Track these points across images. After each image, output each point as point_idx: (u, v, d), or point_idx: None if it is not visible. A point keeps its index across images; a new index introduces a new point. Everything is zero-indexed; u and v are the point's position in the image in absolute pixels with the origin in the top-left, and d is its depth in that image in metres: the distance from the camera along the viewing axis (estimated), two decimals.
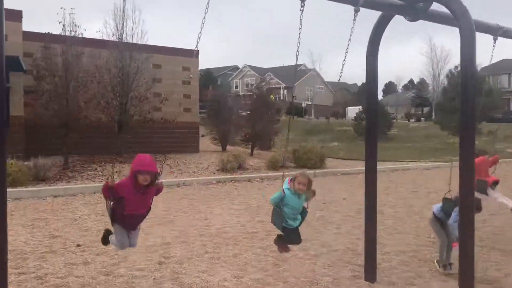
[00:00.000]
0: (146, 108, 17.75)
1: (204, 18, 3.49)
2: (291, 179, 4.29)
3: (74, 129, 15.48)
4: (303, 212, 4.42)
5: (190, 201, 11.09)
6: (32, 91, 15.84)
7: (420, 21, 5.13)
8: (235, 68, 77.44)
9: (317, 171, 17.50)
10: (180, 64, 21.55)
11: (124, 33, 17.99)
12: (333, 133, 38.53)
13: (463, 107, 4.37)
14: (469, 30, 4.24)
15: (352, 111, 52.03)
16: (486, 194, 7.42)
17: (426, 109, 64.76)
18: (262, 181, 15.29)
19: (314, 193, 4.41)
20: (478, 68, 30.11)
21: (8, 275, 4.98)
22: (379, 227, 6.58)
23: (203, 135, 24.21)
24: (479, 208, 5.51)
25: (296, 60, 3.93)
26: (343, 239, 7.31)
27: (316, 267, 5.82)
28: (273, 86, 47.00)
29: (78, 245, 6.68)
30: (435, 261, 5.84)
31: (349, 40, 4.31)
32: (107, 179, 3.92)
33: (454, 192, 5.06)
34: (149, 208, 4.25)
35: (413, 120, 55.83)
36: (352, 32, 4.30)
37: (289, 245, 4.65)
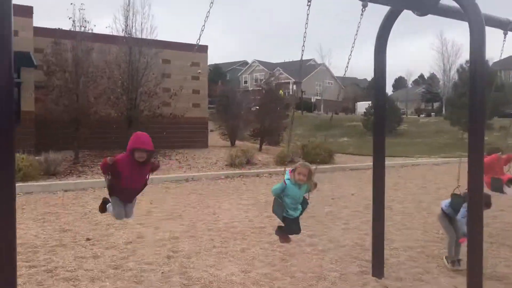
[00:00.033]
0: (155, 104, 17.80)
1: (208, 12, 3.49)
2: (291, 170, 4.31)
3: (84, 124, 15.60)
4: (304, 203, 4.45)
5: (199, 196, 11.14)
6: (42, 86, 15.99)
7: (431, 16, 5.08)
8: (244, 63, 77.30)
9: (326, 166, 17.49)
10: (189, 59, 21.56)
11: (133, 28, 18.05)
12: (343, 128, 38.35)
13: (472, 101, 4.34)
14: (478, 24, 4.19)
15: (362, 106, 51.72)
16: (502, 192, 7.36)
17: (436, 105, 64.19)
18: (271, 176, 15.30)
19: (315, 185, 4.45)
20: (490, 63, 29.77)
21: (19, 268, 5.06)
22: (387, 222, 6.56)
23: (212, 130, 24.25)
24: (488, 204, 5.46)
25: (302, 56, 3.92)
26: (351, 234, 7.31)
27: (323, 262, 5.82)
28: (282, 81, 46.87)
29: (88, 239, 6.75)
30: (444, 257, 5.81)
31: (356, 35, 4.29)
32: (106, 156, 4.12)
33: (463, 188, 5.02)
34: (145, 184, 4.40)
35: (423, 115, 55.37)
36: (359, 27, 4.28)
37: (291, 236, 4.65)
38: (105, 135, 17.24)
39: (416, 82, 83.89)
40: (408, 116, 51.70)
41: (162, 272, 5.33)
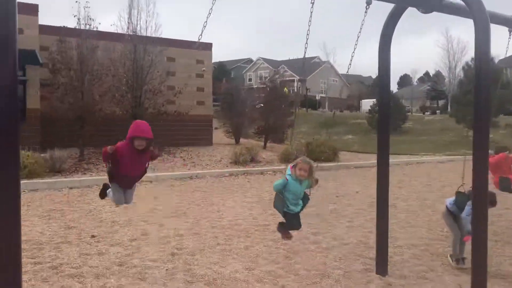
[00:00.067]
0: (160, 101, 17.84)
1: (211, 8, 3.48)
2: (292, 166, 4.33)
3: (89, 122, 15.65)
4: (305, 199, 4.47)
5: (203, 193, 11.16)
6: (48, 84, 16.04)
7: (436, 13, 5.06)
8: (249, 60, 77.20)
9: (330, 164, 17.47)
10: (193, 57, 21.57)
11: (138, 26, 18.08)
12: (347, 126, 38.25)
13: (477, 99, 4.32)
14: (483, 21, 4.17)
15: (367, 103, 51.56)
16: (511, 191, 7.33)
17: (441, 102, 63.88)
18: (275, 174, 15.30)
19: (317, 181, 4.47)
20: (495, 61, 29.59)
21: (25, 264, 5.11)
22: (391, 220, 6.56)
23: (216, 128, 24.27)
24: (493, 202, 5.45)
25: (305, 53, 3.93)
26: (355, 232, 7.30)
27: (327, 260, 5.83)
28: (287, 78, 46.80)
29: (93, 236, 6.78)
30: (448, 255, 5.80)
31: (359, 33, 4.29)
32: (106, 145, 4.19)
33: (468, 185, 5.01)
34: (144, 171, 4.48)
35: (428, 113, 55.13)
36: (362, 24, 4.28)
37: (294, 234, 4.67)
38: (110, 132, 17.20)
39: (421, 80, 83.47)
40: (413, 113, 51.49)
41: (167, 269, 5.35)
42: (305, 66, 62.51)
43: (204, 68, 22.30)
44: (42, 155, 13.26)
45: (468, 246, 5.12)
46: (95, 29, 16.58)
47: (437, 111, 55.16)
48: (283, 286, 4.91)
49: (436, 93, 65.71)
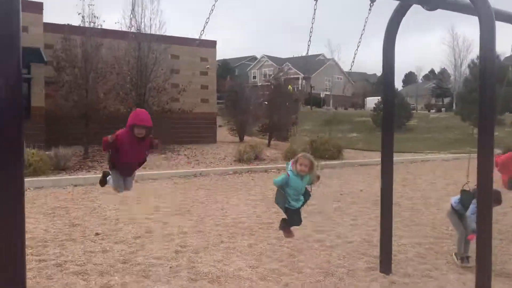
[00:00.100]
0: (164, 99, 17.86)
1: (213, 5, 3.47)
2: (293, 161, 4.34)
3: (94, 120, 15.69)
4: (306, 195, 4.48)
5: (207, 191, 11.17)
6: (52, 82, 16.10)
7: (442, 10, 5.02)
8: (253, 58, 77.10)
9: (334, 162, 17.45)
10: (198, 55, 21.58)
11: (142, 23, 18.09)
12: (352, 124, 38.20)
13: (481, 97, 4.30)
14: (488, 19, 4.14)
15: (371, 101, 51.43)
16: None
17: (446, 100, 63.63)
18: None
19: (318, 177, 4.48)
20: (501, 58, 29.39)
21: (29, 262, 5.14)
22: (396, 218, 6.53)
23: (220, 126, 24.28)
24: (498, 201, 5.42)
25: (308, 50, 3.91)
26: (359, 230, 7.29)
27: (331, 258, 5.82)
28: (291, 76, 46.74)
29: (97, 234, 6.80)
30: (453, 253, 5.78)
31: (363, 30, 4.27)
32: (107, 135, 4.34)
33: (473, 184, 4.98)
34: (144, 159, 4.61)
35: (433, 110, 54.93)
36: (366, 22, 4.26)
37: (297, 231, 4.68)
38: (114, 130, 17.31)
39: (426, 77, 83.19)
40: (418, 111, 51.33)
41: (170, 267, 5.36)
42: (310, 64, 62.35)
43: (208, 66, 22.31)
44: (47, 152, 13.31)
45: (472, 245, 5.10)
46: (99, 27, 16.61)
47: (442, 109, 54.94)
48: (286, 284, 4.91)
49: (441, 90, 65.48)
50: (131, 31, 17.90)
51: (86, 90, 15.60)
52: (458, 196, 5.73)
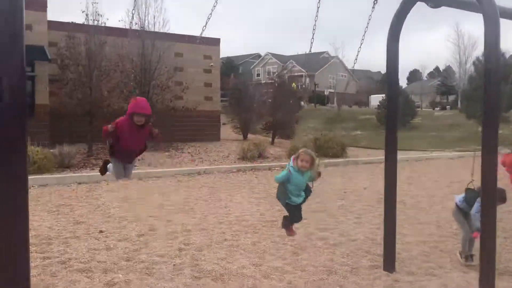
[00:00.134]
0: (168, 97, 17.88)
1: (216, 1, 3.46)
2: (294, 157, 4.35)
3: (98, 118, 15.72)
4: (307, 191, 4.50)
5: (211, 189, 11.18)
6: (57, 80, 16.15)
7: (447, 8, 5.00)
8: (257, 56, 77.00)
9: (338, 159, 17.42)
10: (201, 53, 21.58)
11: (146, 21, 18.11)
12: (356, 122, 38.11)
13: (486, 94, 4.27)
14: (493, 16, 4.11)
15: (375, 99, 51.29)
16: None
17: (451, 98, 63.34)
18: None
19: (319, 174, 4.53)
20: (506, 56, 29.23)
21: (34, 259, 5.16)
22: (400, 217, 6.53)
23: (224, 124, 24.29)
24: (503, 199, 5.40)
25: (310, 48, 3.91)
26: (362, 228, 7.28)
27: (334, 256, 5.81)
28: (296, 74, 46.63)
29: (101, 231, 6.82)
30: (458, 252, 5.76)
31: (366, 28, 4.26)
32: (107, 124, 4.45)
33: (478, 182, 4.96)
34: (144, 147, 4.74)
35: (438, 108, 54.71)
36: (370, 20, 4.24)
37: (300, 230, 4.70)
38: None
39: (431, 75, 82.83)
40: (423, 109, 51.15)
41: (174, 264, 5.37)
42: (314, 61, 62.24)
43: (212, 64, 22.30)
44: (51, 150, 13.35)
45: (476, 243, 5.07)
46: (103, 24, 16.64)
47: (447, 106, 54.72)
48: (290, 282, 4.91)
49: (446, 88, 65.13)
50: (132, 28, 17.89)
51: (90, 88, 15.64)
52: (463, 195, 5.70)
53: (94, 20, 16.44)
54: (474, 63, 41.88)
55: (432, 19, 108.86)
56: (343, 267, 5.37)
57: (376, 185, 11.54)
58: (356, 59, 4.65)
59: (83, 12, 16.38)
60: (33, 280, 4.43)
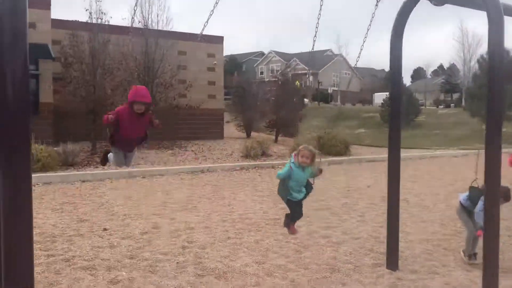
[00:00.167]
0: (171, 95, 17.91)
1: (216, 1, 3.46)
2: (295, 154, 4.44)
3: (101, 116, 15.74)
4: (308, 187, 4.53)
5: (214, 187, 11.19)
6: (60, 78, 16.19)
7: (451, 6, 4.97)
8: (261, 54, 76.96)
9: (342, 158, 17.39)
10: (205, 51, 21.59)
11: (149, 19, 18.13)
12: (360, 120, 38.05)
13: (490, 92, 4.25)
14: (497, 14, 4.09)
15: (379, 97, 51.16)
16: None
17: (455, 96, 63.11)
18: None
19: (321, 170, 4.57)
20: (510, 53, 29.08)
21: (38, 257, 5.18)
22: (403, 215, 6.52)
23: (227, 122, 24.30)
24: (507, 198, 5.38)
25: (313, 46, 3.89)
26: (366, 226, 7.27)
27: (337, 254, 5.81)
28: (299, 72, 46.67)
29: (105, 229, 6.84)
30: (461, 250, 5.74)
31: (369, 26, 4.24)
32: (107, 113, 4.53)
33: (482, 180, 4.94)
34: (145, 135, 4.78)
35: (442, 106, 54.53)
36: (373, 18, 4.23)
37: (302, 228, 4.72)
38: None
39: (435, 73, 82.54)
40: (427, 107, 50.99)
41: (177, 262, 5.38)
42: (317, 59, 62.13)
43: (215, 62, 22.31)
44: (55, 148, 13.39)
45: (480, 242, 5.06)
46: (106, 23, 16.66)
47: (451, 104, 54.52)
48: (293, 280, 4.92)
49: (450, 86, 64.91)
50: (134, 26, 17.89)
51: (93, 86, 15.68)
52: (467, 193, 5.69)
53: (97, 18, 16.47)
54: (478, 61, 41.68)
55: (436, 17, 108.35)
56: (346, 265, 5.37)
57: (379, 183, 11.52)
58: (358, 57, 4.65)
59: (86, 10, 16.43)
60: (37, 278, 4.46)
